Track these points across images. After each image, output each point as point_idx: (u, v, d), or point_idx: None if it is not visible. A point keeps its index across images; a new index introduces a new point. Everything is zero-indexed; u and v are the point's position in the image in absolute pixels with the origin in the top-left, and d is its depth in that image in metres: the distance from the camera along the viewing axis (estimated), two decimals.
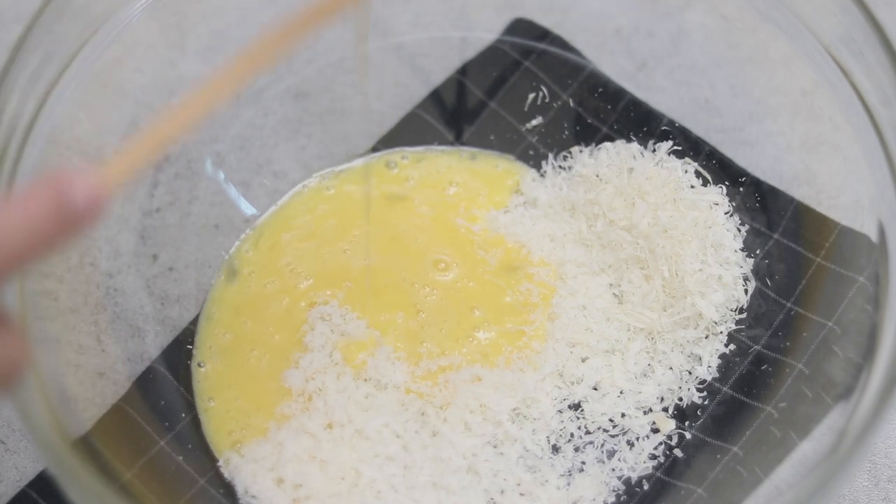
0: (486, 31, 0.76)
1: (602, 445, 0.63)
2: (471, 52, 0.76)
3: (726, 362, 0.65)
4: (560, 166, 0.72)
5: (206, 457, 0.63)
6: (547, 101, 0.74)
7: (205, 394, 0.64)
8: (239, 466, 0.62)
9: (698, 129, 0.72)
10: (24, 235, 0.41)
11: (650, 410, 0.64)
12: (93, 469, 0.53)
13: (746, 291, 0.67)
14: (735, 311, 0.66)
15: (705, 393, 0.65)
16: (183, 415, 0.64)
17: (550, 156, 0.72)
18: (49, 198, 0.41)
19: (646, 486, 0.62)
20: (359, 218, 0.70)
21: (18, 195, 0.42)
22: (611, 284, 0.68)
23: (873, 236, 0.60)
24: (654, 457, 0.63)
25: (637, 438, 0.63)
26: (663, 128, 0.72)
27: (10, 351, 0.44)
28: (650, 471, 0.62)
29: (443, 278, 0.68)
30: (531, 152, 0.73)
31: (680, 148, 0.70)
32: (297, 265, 0.68)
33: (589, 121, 0.73)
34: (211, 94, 0.46)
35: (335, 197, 0.71)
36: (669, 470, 0.62)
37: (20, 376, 0.45)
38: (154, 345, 0.66)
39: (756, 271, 0.67)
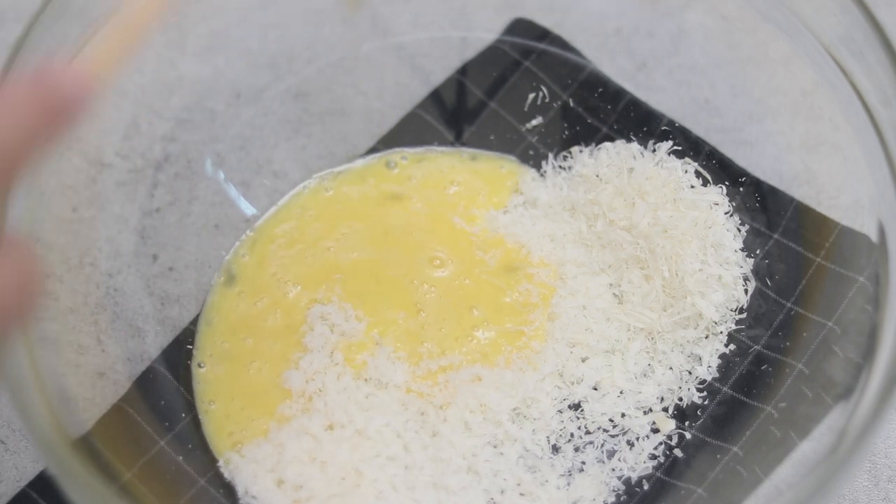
0: (486, 31, 0.76)
1: (602, 445, 0.63)
2: (471, 52, 0.76)
3: (726, 362, 0.65)
4: (560, 166, 0.72)
5: (206, 457, 0.63)
6: (547, 101, 0.74)
7: (205, 396, 0.64)
8: (239, 467, 0.62)
9: (698, 129, 0.72)
10: (13, 133, 0.38)
11: (650, 410, 0.64)
12: (93, 469, 0.53)
13: (746, 291, 0.67)
14: (735, 311, 0.66)
15: (705, 393, 0.65)
16: (183, 415, 0.64)
17: (550, 156, 0.72)
18: (35, 90, 0.38)
19: (646, 486, 0.62)
20: (347, 217, 0.70)
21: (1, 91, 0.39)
22: (611, 284, 0.68)
23: (873, 236, 0.60)
24: (654, 457, 0.63)
25: (637, 438, 0.63)
26: (663, 128, 0.72)
27: (14, 278, 0.40)
28: (650, 471, 0.62)
29: (439, 274, 0.68)
30: (531, 152, 0.73)
31: (680, 148, 0.70)
32: (283, 274, 0.68)
33: (589, 121, 0.73)
34: None
35: (332, 199, 0.71)
36: (669, 470, 0.62)
37: (29, 306, 0.41)
38: (154, 345, 0.66)
39: (756, 271, 0.67)
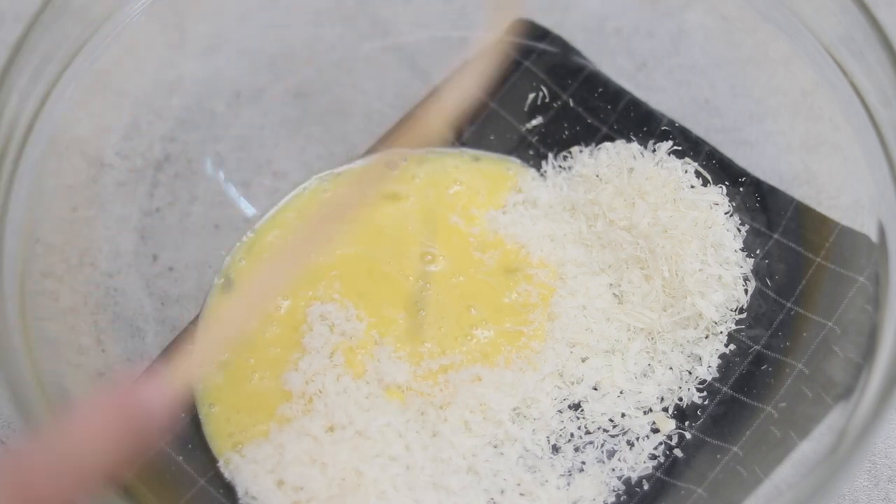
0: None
1: (602, 445, 0.63)
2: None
3: (726, 362, 0.65)
4: (560, 166, 0.72)
5: (206, 457, 0.63)
6: (547, 101, 0.74)
7: (206, 399, 0.64)
8: (239, 467, 0.62)
9: (698, 129, 0.72)
10: (97, 447, 0.40)
11: (650, 410, 0.64)
12: None
13: (746, 291, 0.67)
14: (735, 311, 0.66)
15: (705, 393, 0.65)
16: (183, 415, 0.64)
17: (550, 156, 0.72)
18: (118, 413, 0.40)
19: (646, 486, 0.62)
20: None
21: (83, 414, 0.41)
22: (611, 284, 0.68)
23: (873, 236, 0.60)
24: (654, 457, 0.63)
25: (637, 438, 0.63)
26: (663, 128, 0.72)
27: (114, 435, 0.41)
28: (650, 471, 0.62)
29: (432, 269, 0.68)
30: (531, 152, 0.73)
31: (680, 148, 0.70)
32: None
33: (589, 121, 0.73)
34: (265, 281, 0.45)
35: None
36: (669, 470, 0.62)
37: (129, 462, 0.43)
38: (154, 345, 0.66)
39: (756, 271, 0.67)
